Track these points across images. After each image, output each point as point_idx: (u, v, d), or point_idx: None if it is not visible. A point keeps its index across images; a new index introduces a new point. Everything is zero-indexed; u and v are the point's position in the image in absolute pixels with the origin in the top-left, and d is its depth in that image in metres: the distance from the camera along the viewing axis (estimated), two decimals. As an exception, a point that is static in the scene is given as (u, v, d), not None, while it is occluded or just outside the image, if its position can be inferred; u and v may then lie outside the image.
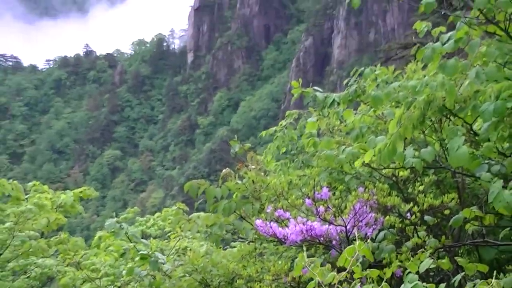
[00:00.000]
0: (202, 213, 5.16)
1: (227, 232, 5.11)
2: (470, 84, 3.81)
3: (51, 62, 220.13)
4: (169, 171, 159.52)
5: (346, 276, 2.95)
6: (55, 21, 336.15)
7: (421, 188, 4.33)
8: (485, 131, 3.77)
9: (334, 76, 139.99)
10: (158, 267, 5.04)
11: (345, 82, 4.93)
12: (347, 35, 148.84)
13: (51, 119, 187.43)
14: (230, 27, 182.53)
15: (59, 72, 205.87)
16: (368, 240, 3.30)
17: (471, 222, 3.87)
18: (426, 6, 4.14)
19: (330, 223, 4.27)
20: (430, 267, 3.26)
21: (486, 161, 3.92)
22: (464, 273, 3.28)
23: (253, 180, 4.95)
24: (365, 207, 4.19)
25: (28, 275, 8.46)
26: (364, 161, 4.08)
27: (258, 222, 4.41)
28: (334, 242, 4.28)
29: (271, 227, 4.32)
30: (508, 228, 3.93)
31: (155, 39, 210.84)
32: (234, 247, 6.25)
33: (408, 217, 4.22)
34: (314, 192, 4.34)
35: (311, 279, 2.96)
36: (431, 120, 4.20)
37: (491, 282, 2.69)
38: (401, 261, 3.74)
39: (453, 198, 4.17)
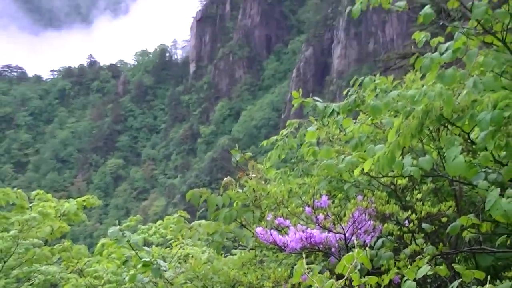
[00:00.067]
0: (203, 221, 5.21)
1: (228, 240, 5.16)
2: (468, 94, 3.86)
3: (55, 73, 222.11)
4: (171, 180, 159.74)
5: (345, 283, 2.98)
6: (59, 32, 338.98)
7: (419, 196, 4.38)
8: (482, 140, 3.81)
9: (334, 85, 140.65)
10: (160, 274, 5.08)
11: (344, 92, 5.00)
12: (346, 45, 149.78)
13: (55, 129, 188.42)
14: (231, 37, 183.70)
15: (63, 82, 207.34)
16: (367, 248, 3.35)
17: (468, 229, 3.91)
18: (424, 17, 4.21)
19: (329, 230, 4.31)
20: (428, 274, 3.29)
21: (483, 170, 3.96)
22: (461, 279, 3.31)
23: (253, 189, 5.00)
24: (364, 215, 4.24)
25: (32, 282, 8.51)
26: (363, 170, 4.14)
27: (259, 229, 4.46)
28: (333, 249, 4.32)
29: (271, 235, 4.37)
30: (505, 236, 3.96)
31: (157, 49, 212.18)
32: (235, 254, 6.30)
33: (406, 225, 4.26)
34: (313, 200, 4.39)
35: (311, 286, 3.00)
36: (429, 129, 4.25)
37: (486, 288, 2.73)
38: (399, 268, 3.77)
39: (450, 206, 4.22)
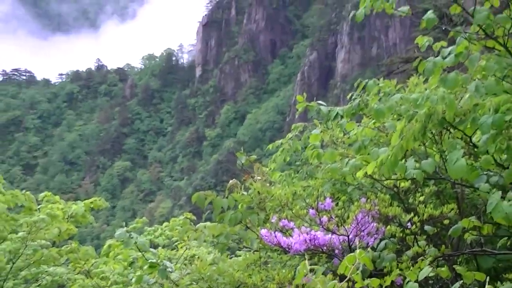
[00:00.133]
0: (209, 223, 5.27)
1: (232, 241, 5.21)
2: (470, 98, 3.89)
3: (63, 76, 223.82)
4: (177, 182, 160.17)
5: (348, 285, 3.02)
6: (67, 37, 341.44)
7: (421, 198, 4.42)
8: (483, 143, 3.84)
9: (338, 89, 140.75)
10: (166, 275, 5.14)
11: (348, 96, 5.05)
12: (350, 50, 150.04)
13: (63, 132, 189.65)
14: (237, 42, 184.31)
15: (71, 85, 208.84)
16: (368, 249, 3.40)
17: (470, 231, 3.94)
18: (427, 22, 4.25)
19: (333, 232, 4.36)
20: (430, 275, 3.32)
21: (485, 173, 3.99)
22: (462, 281, 3.35)
23: (258, 191, 5.05)
24: (367, 217, 4.28)
25: (40, 283, 8.60)
26: (366, 173, 4.18)
27: (263, 231, 4.52)
28: (336, 251, 4.37)
29: (275, 237, 4.42)
30: (506, 238, 3.99)
31: (164, 53, 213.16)
32: (240, 256, 6.35)
33: (409, 227, 4.30)
34: (317, 203, 4.45)
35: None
36: (431, 133, 4.28)
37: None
38: (401, 270, 3.80)
39: (452, 208, 4.26)
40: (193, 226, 5.47)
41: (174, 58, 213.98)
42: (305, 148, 5.21)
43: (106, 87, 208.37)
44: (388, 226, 4.31)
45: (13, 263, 8.56)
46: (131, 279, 6.33)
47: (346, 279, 3.02)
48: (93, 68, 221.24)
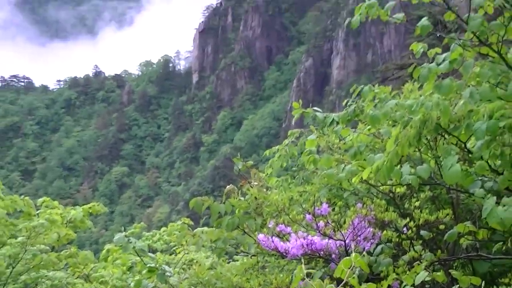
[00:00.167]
0: (206, 228, 5.30)
1: (230, 246, 5.24)
2: (465, 104, 3.94)
3: (61, 83, 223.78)
4: (175, 187, 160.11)
5: (345, 289, 3.04)
6: (65, 43, 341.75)
7: (417, 204, 4.45)
8: (478, 149, 3.88)
9: (333, 95, 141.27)
10: (165, 280, 5.16)
11: (344, 102, 5.09)
12: (345, 56, 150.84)
13: (62, 137, 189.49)
14: (233, 48, 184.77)
15: (69, 92, 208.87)
16: (364, 253, 3.43)
17: (465, 236, 3.97)
18: (422, 29, 4.30)
19: (330, 237, 4.40)
20: (426, 279, 3.35)
21: (480, 178, 4.03)
22: (458, 285, 3.38)
23: (255, 197, 5.09)
24: (363, 222, 4.32)
25: (39, 287, 8.62)
26: (362, 178, 4.22)
27: (261, 236, 4.55)
28: (333, 256, 4.40)
29: (273, 242, 4.45)
30: (501, 243, 4.02)
31: (161, 60, 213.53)
32: (237, 260, 6.37)
33: (405, 232, 4.33)
34: (314, 208, 4.48)
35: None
36: (426, 139, 4.32)
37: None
38: (398, 274, 3.84)
39: (448, 214, 4.30)
40: (191, 231, 5.50)
41: (171, 65, 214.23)
42: (302, 154, 5.25)
43: (104, 93, 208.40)
44: (384, 231, 4.34)
45: (13, 268, 8.58)
46: (130, 284, 6.35)
47: (343, 282, 3.05)
48: (91, 75, 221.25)
